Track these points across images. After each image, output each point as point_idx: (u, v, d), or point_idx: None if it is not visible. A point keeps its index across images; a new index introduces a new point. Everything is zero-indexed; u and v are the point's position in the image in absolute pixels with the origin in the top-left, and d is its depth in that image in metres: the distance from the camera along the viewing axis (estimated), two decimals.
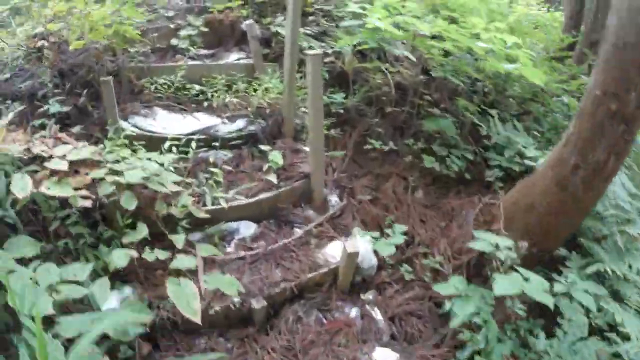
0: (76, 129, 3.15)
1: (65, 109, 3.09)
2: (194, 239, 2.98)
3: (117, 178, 2.62)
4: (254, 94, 3.56)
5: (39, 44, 3.17)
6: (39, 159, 2.73)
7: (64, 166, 2.63)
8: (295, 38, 3.34)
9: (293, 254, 3.05)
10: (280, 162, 3.21)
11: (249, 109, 3.49)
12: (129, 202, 2.65)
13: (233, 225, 3.11)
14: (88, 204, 2.59)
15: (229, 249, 3.03)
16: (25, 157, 2.69)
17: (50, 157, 2.71)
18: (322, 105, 3.03)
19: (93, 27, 3.13)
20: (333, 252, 3.05)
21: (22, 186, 2.48)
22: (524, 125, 4.26)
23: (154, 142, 3.23)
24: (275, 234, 3.16)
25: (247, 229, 3.14)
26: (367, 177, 3.62)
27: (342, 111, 3.71)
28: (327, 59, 3.85)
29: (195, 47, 3.92)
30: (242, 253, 2.97)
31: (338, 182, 3.44)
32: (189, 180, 3.15)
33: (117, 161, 2.79)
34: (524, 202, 3.12)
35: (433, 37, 3.74)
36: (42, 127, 3.12)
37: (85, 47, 3.09)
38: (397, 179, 3.70)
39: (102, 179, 2.63)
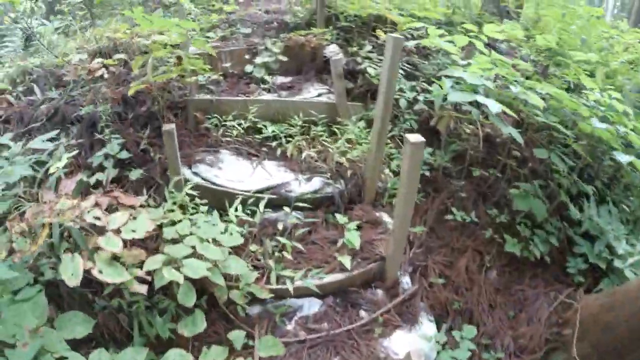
0: (135, 174, 2.46)
1: (125, 155, 2.38)
2: (252, 313, 2.43)
3: (175, 272, 1.96)
4: (333, 145, 2.72)
5: (99, 72, 2.39)
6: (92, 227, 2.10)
7: (117, 247, 1.99)
8: (392, 83, 2.49)
9: (355, 343, 2.46)
10: (357, 243, 2.49)
11: (327, 162, 2.68)
12: (187, 298, 2.05)
13: (296, 302, 2.50)
14: (143, 290, 2.02)
15: (289, 327, 2.47)
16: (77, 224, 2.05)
17: (104, 229, 2.06)
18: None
19: (159, 57, 2.30)
20: (396, 345, 2.46)
21: (73, 270, 1.95)
22: (612, 197, 3.35)
23: (218, 197, 2.55)
24: (340, 316, 2.53)
25: (310, 306, 2.53)
26: (442, 251, 2.87)
27: (427, 172, 2.87)
28: (417, 107, 2.94)
29: (271, 76, 3.00)
30: (302, 335, 2.41)
31: (412, 260, 2.70)
32: (253, 247, 2.48)
33: (176, 240, 2.12)
34: (605, 318, 2.52)
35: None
36: (101, 168, 2.45)
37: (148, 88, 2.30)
38: (473, 254, 2.93)
39: (158, 270, 1.98)
